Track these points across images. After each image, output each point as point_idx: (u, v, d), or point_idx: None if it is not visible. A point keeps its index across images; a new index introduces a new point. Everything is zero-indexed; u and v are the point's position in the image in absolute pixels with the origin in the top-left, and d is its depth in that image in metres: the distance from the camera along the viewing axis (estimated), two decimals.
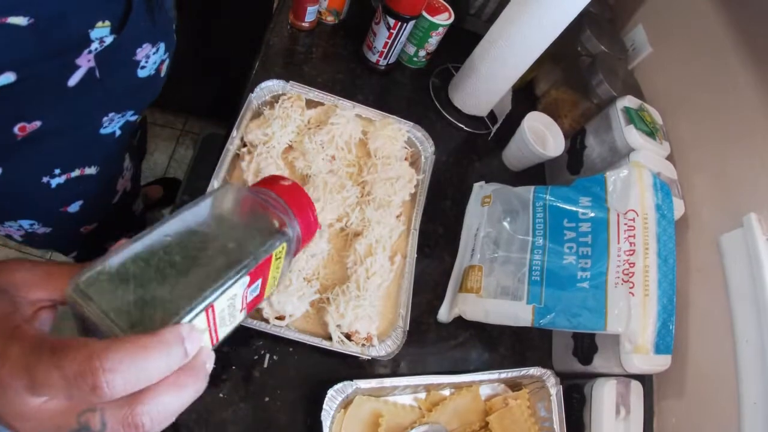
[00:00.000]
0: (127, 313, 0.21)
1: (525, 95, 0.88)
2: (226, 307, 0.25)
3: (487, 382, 0.59)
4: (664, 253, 0.56)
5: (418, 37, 0.78)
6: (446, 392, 0.58)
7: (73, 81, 0.42)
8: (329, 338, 0.53)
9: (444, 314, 0.63)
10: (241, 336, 0.53)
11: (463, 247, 0.68)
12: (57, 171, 0.52)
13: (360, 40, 0.79)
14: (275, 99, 0.65)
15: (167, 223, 0.24)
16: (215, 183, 0.57)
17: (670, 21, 0.82)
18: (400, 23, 0.71)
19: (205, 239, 0.25)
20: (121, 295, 0.22)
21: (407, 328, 0.56)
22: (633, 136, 0.66)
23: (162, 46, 0.51)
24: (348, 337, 0.54)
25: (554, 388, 0.58)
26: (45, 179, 0.52)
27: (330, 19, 0.81)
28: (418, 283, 0.60)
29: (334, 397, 0.49)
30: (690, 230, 0.66)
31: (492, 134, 0.81)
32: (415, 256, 0.61)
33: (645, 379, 0.60)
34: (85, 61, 0.42)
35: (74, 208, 0.60)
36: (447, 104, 0.82)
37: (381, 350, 0.54)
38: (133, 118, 0.56)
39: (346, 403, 0.51)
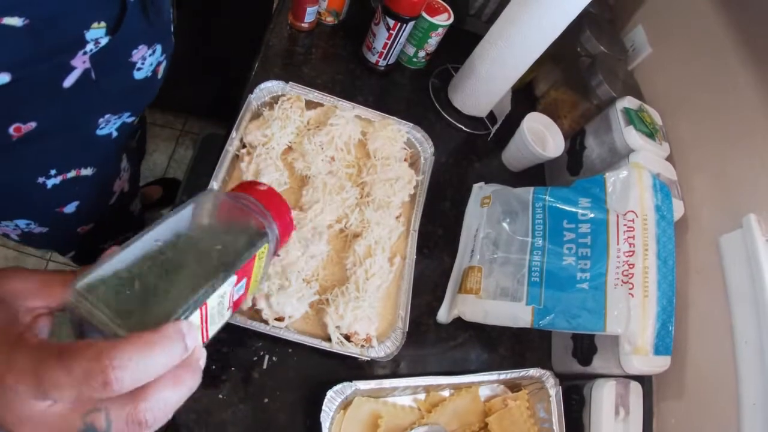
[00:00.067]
0: (127, 313, 0.22)
1: (524, 96, 0.88)
2: (216, 305, 0.26)
3: (486, 383, 0.59)
4: (664, 254, 0.56)
5: (417, 38, 0.78)
6: (446, 393, 0.58)
7: (68, 82, 0.42)
8: (328, 339, 0.53)
9: (443, 315, 0.63)
10: (241, 337, 0.53)
11: (463, 248, 0.68)
12: (53, 172, 0.52)
13: (359, 41, 0.79)
14: (275, 100, 0.65)
15: (155, 229, 0.26)
16: (215, 184, 0.57)
17: (670, 21, 0.81)
18: (399, 24, 0.70)
19: (193, 242, 0.27)
20: (120, 297, 0.23)
21: (407, 329, 0.56)
22: (632, 137, 0.66)
23: (158, 47, 0.51)
24: (347, 338, 0.54)
25: (553, 389, 0.58)
26: (41, 180, 0.52)
27: (329, 19, 0.80)
28: (418, 284, 0.60)
29: (333, 398, 0.49)
30: (689, 231, 0.66)
31: (491, 135, 0.81)
32: (415, 257, 0.61)
33: (644, 380, 0.60)
34: (81, 62, 0.42)
35: (70, 208, 0.60)
36: (446, 105, 0.82)
37: (380, 351, 0.54)
38: (130, 120, 0.56)
39: (346, 404, 0.52)
